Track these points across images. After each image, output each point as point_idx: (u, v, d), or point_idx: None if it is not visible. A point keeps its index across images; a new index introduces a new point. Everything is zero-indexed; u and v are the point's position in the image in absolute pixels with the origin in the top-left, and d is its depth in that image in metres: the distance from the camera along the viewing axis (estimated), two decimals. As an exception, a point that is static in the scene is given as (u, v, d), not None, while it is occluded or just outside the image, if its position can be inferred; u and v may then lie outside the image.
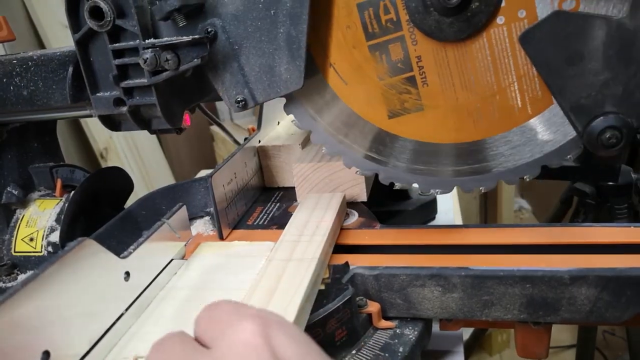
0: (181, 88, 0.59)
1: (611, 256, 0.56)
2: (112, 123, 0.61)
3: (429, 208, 0.90)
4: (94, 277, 0.48)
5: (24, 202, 0.71)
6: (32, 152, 0.75)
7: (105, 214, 0.70)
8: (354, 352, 0.55)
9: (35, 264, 0.66)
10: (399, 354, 0.54)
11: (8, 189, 0.70)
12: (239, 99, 0.57)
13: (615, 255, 0.56)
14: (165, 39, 0.52)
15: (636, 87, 0.50)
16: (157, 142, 2.05)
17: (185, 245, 0.66)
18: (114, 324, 0.50)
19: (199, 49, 0.53)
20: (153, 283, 0.57)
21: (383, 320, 0.58)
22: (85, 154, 1.82)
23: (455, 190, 1.19)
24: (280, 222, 0.74)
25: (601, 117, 0.51)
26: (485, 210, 2.36)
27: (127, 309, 0.52)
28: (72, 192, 0.69)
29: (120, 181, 0.77)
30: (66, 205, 0.67)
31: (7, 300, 0.39)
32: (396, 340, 0.56)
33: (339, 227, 0.68)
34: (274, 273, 0.54)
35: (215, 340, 0.33)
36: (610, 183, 1.06)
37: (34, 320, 0.41)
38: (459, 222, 1.08)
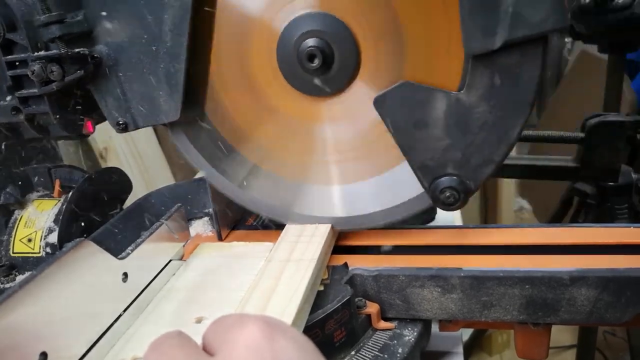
0: (79, 98, 0.62)
1: (611, 256, 0.56)
2: (13, 130, 0.65)
3: (429, 208, 0.90)
4: (92, 278, 0.48)
5: (22, 203, 0.71)
6: (30, 152, 0.74)
7: (103, 214, 0.70)
8: (353, 353, 0.55)
9: (34, 264, 0.66)
10: (398, 355, 0.54)
11: (6, 189, 0.70)
12: (120, 122, 0.61)
13: (615, 255, 0.56)
14: (51, 52, 0.55)
15: (472, 154, 0.55)
16: (157, 142, 2.05)
17: (183, 246, 0.65)
18: (112, 325, 0.50)
19: (81, 63, 0.56)
20: (151, 284, 0.57)
21: (382, 321, 0.58)
22: (84, 154, 1.82)
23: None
24: (279, 223, 0.74)
25: (443, 178, 0.56)
26: (486, 211, 2.36)
27: (125, 310, 0.52)
28: (71, 192, 0.69)
29: (118, 182, 0.77)
30: (64, 206, 0.67)
31: (5, 302, 0.38)
32: (395, 341, 0.56)
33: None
34: (273, 273, 0.53)
35: (219, 345, 0.33)
36: (611, 183, 1.06)
37: (32, 321, 0.40)
38: (459, 222, 1.08)
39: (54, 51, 0.55)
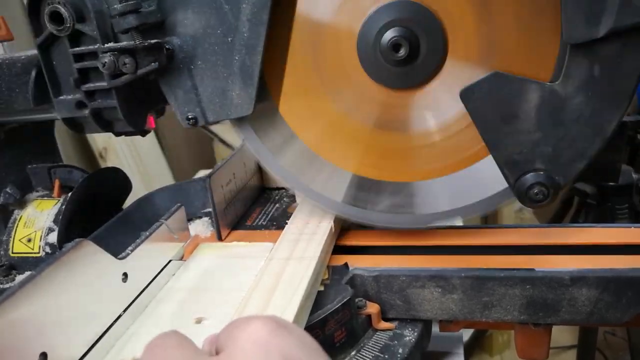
0: (143, 92, 0.60)
1: (612, 257, 0.56)
2: (75, 126, 0.62)
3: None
4: (92, 278, 0.48)
5: (21, 203, 0.71)
6: (29, 152, 0.74)
7: (103, 214, 0.70)
8: (353, 353, 0.55)
9: (33, 265, 0.66)
10: (399, 355, 0.54)
11: (6, 189, 0.70)
12: (189, 116, 0.58)
13: (616, 255, 0.56)
14: (124, 43, 0.53)
15: (564, 148, 0.53)
16: (157, 142, 2.04)
17: (183, 246, 0.65)
18: (111, 325, 0.50)
19: (155, 54, 0.54)
20: (151, 284, 0.57)
21: (382, 322, 0.57)
22: (84, 154, 1.81)
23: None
24: (279, 222, 0.74)
25: (531, 173, 0.54)
26: (486, 211, 2.35)
27: (125, 310, 0.52)
28: (70, 192, 0.69)
29: (118, 182, 0.77)
30: (64, 206, 0.67)
31: (5, 302, 0.38)
32: (396, 342, 0.55)
33: (339, 227, 0.68)
34: (274, 271, 0.54)
35: (226, 342, 0.33)
36: (611, 183, 1.06)
37: (32, 321, 0.40)
38: (459, 222, 1.08)
39: (128, 42, 0.53)
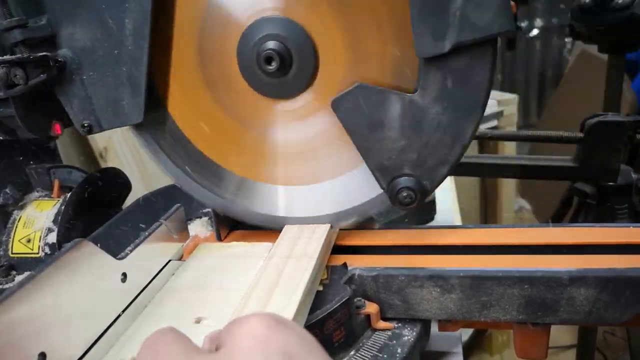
0: (45, 100, 0.62)
1: (611, 256, 0.56)
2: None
3: (428, 208, 0.90)
4: (91, 279, 0.48)
5: (21, 203, 0.71)
6: (29, 152, 0.74)
7: (103, 214, 0.70)
8: (352, 353, 0.55)
9: (33, 265, 0.66)
10: (398, 355, 0.54)
11: (5, 190, 0.70)
12: (85, 124, 0.62)
13: (615, 255, 0.56)
14: (15, 56, 0.56)
15: (428, 154, 0.56)
16: (157, 142, 2.05)
17: (183, 246, 0.65)
18: (110, 325, 0.50)
19: (44, 67, 0.57)
20: (150, 284, 0.57)
21: (381, 321, 0.57)
22: (84, 154, 1.81)
23: (454, 190, 1.20)
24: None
25: (401, 178, 0.58)
26: (485, 210, 2.36)
27: (124, 311, 0.52)
28: (70, 193, 0.69)
29: (117, 182, 0.77)
30: (63, 206, 0.67)
31: (4, 302, 0.38)
32: (394, 342, 0.56)
33: (338, 228, 0.68)
34: (274, 269, 0.54)
35: (225, 339, 0.33)
36: (611, 183, 1.06)
37: (31, 321, 0.40)
38: (458, 222, 1.08)
39: (18, 55, 0.56)
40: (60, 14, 0.58)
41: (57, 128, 0.65)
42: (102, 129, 0.62)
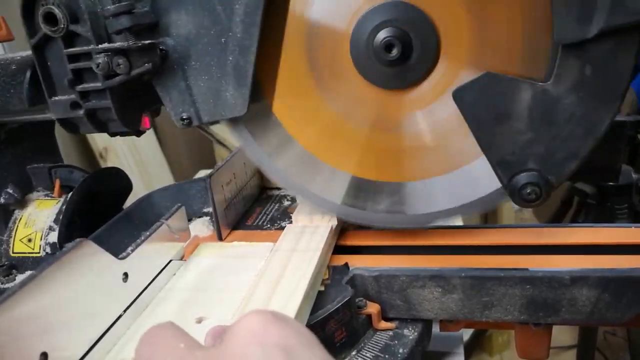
0: (138, 92, 0.60)
1: (612, 257, 0.56)
2: (69, 126, 0.62)
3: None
4: (93, 278, 0.48)
5: (22, 203, 0.71)
6: (30, 152, 0.74)
7: (103, 214, 0.70)
8: (353, 353, 0.55)
9: (34, 264, 0.66)
10: (399, 355, 0.54)
11: (6, 189, 0.70)
12: (184, 117, 0.59)
13: (616, 255, 0.56)
14: (117, 44, 0.53)
15: (557, 148, 0.53)
16: (157, 142, 2.05)
17: (184, 246, 0.65)
18: (112, 325, 0.50)
19: (149, 55, 0.54)
20: (152, 284, 0.57)
21: (383, 321, 0.57)
22: (84, 154, 1.81)
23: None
24: (279, 222, 0.74)
25: (524, 173, 0.54)
26: (485, 211, 2.36)
27: (125, 310, 0.52)
28: (71, 192, 0.69)
29: (118, 181, 0.77)
30: (64, 206, 0.67)
31: (5, 302, 0.38)
32: (396, 342, 0.56)
33: (340, 227, 0.68)
34: (279, 262, 0.55)
35: (225, 335, 0.33)
36: (611, 183, 1.06)
37: (32, 321, 0.40)
38: (459, 222, 1.08)
39: (121, 43, 0.53)
40: (165, 0, 0.55)
41: (146, 121, 0.63)
42: (201, 122, 0.59)
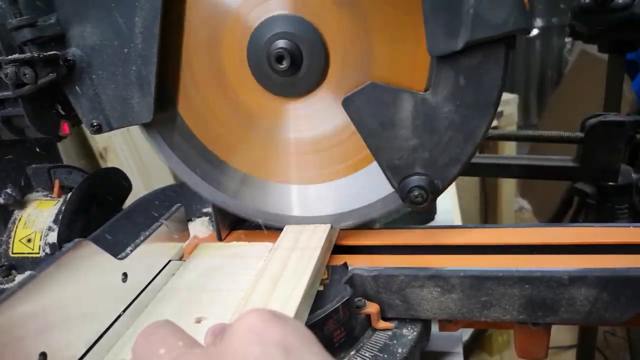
0: (54, 100, 0.62)
1: (611, 256, 0.56)
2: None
3: (428, 208, 0.90)
4: (92, 279, 0.48)
5: (21, 203, 0.71)
6: (29, 152, 0.74)
7: (103, 214, 0.70)
8: (352, 353, 0.55)
9: (33, 265, 0.66)
10: (398, 355, 0.54)
11: (6, 190, 0.70)
12: (94, 123, 0.62)
13: (615, 255, 0.56)
14: (22, 55, 0.56)
15: (439, 153, 0.56)
16: (157, 142, 2.04)
17: (183, 246, 0.65)
18: (111, 325, 0.50)
19: (53, 66, 0.57)
20: (151, 284, 0.57)
21: (382, 321, 0.58)
22: (84, 154, 1.81)
23: (454, 190, 1.20)
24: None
25: (413, 177, 0.58)
26: (486, 211, 2.36)
27: (124, 311, 0.52)
28: (70, 193, 0.69)
29: (118, 182, 0.77)
30: (64, 206, 0.67)
31: (5, 302, 0.38)
32: (395, 341, 0.56)
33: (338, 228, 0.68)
34: (279, 260, 0.55)
35: (224, 334, 0.33)
36: (611, 183, 1.06)
37: (32, 321, 0.40)
38: (458, 222, 1.08)
39: (27, 54, 0.55)
40: (70, 13, 0.58)
41: (65, 127, 0.65)
42: (111, 128, 0.62)
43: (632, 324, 0.55)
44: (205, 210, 0.79)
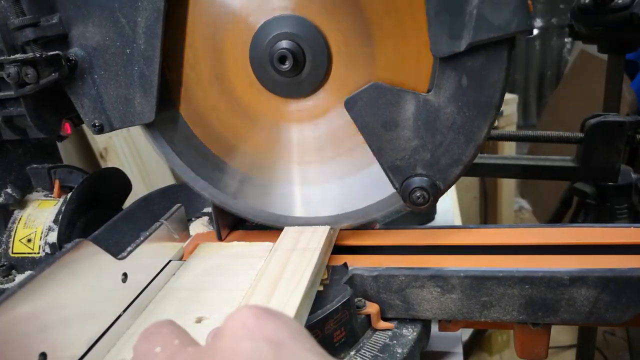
0: (56, 100, 0.62)
1: (611, 257, 0.56)
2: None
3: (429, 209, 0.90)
4: (92, 279, 0.48)
5: (22, 203, 0.71)
6: (30, 152, 0.74)
7: (103, 214, 0.70)
8: (352, 353, 0.55)
9: (33, 265, 0.66)
10: (398, 355, 0.54)
11: (6, 189, 0.70)
12: (96, 123, 0.62)
13: (615, 255, 0.56)
14: (25, 55, 0.56)
15: (441, 154, 0.56)
16: (157, 142, 2.04)
17: (183, 246, 0.65)
18: (111, 325, 0.50)
19: (55, 65, 0.57)
20: (151, 284, 0.57)
21: (382, 321, 0.58)
22: (84, 154, 1.81)
23: (454, 190, 1.20)
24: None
25: (414, 178, 0.58)
26: (486, 211, 2.36)
27: (124, 310, 0.52)
28: (70, 193, 0.69)
29: (118, 182, 0.77)
30: (64, 206, 0.67)
31: (5, 302, 0.38)
32: (395, 342, 0.56)
33: (339, 228, 0.68)
34: (279, 261, 0.55)
35: (217, 331, 0.33)
36: (611, 183, 1.06)
37: (31, 321, 0.40)
38: (458, 222, 1.08)
39: (29, 54, 0.55)
40: (72, 13, 0.58)
41: (67, 127, 0.65)
42: (112, 129, 0.62)
43: (633, 324, 0.55)
44: (205, 210, 0.79)
